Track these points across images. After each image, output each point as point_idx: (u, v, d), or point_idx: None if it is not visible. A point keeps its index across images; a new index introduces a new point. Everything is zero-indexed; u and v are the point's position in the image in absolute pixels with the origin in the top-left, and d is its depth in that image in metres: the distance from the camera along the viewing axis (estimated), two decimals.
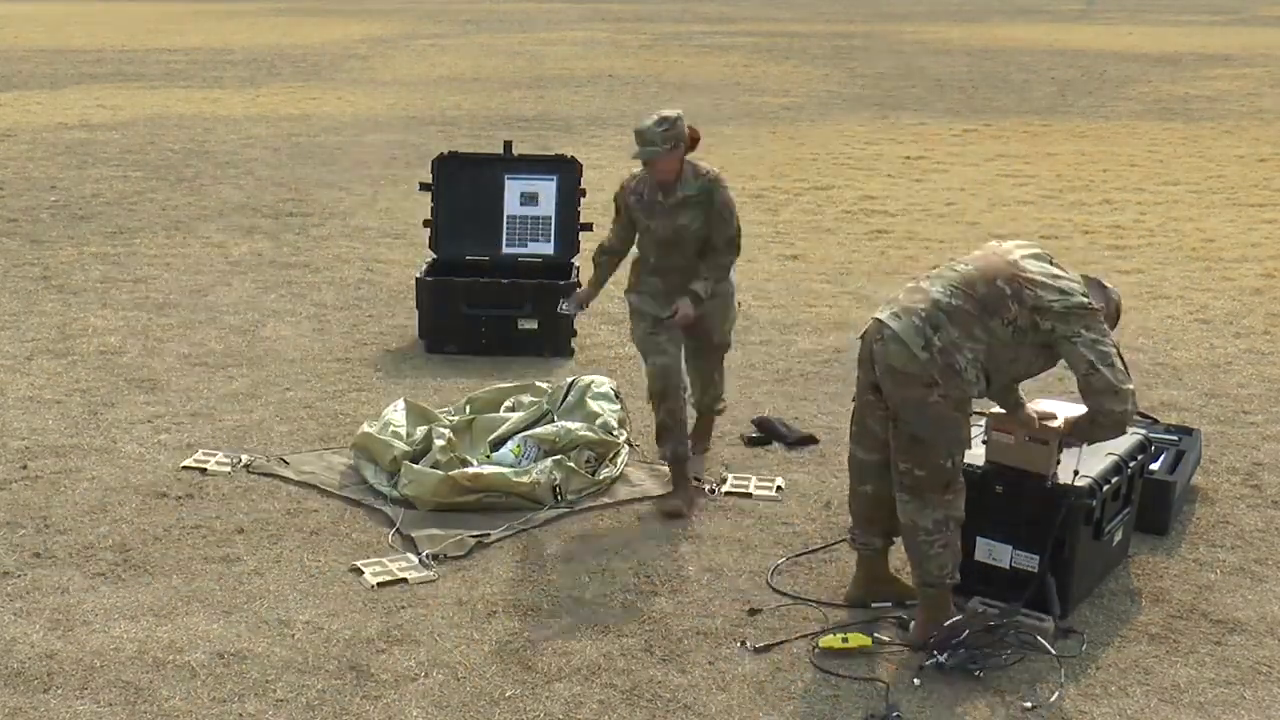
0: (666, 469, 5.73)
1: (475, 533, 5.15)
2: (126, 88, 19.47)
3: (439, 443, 5.63)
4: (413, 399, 6.67)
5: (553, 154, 8.33)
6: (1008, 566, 4.58)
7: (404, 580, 4.81)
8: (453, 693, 4.12)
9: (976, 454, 4.65)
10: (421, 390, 6.83)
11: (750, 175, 13.01)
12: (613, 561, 5.00)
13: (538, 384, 6.31)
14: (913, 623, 4.46)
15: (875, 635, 4.42)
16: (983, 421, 4.72)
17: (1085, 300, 4.30)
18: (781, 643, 4.41)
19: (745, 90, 19.80)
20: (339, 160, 13.65)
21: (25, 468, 5.80)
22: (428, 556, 4.95)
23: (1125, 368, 4.29)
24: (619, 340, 7.71)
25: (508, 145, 8.07)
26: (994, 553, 4.61)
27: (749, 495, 5.57)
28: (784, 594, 4.74)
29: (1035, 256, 4.40)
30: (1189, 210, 11.51)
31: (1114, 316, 4.57)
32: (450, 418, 6.08)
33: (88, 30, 29.45)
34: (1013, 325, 4.26)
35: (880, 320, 4.34)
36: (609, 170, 13.00)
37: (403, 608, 4.63)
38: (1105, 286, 4.60)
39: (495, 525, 5.23)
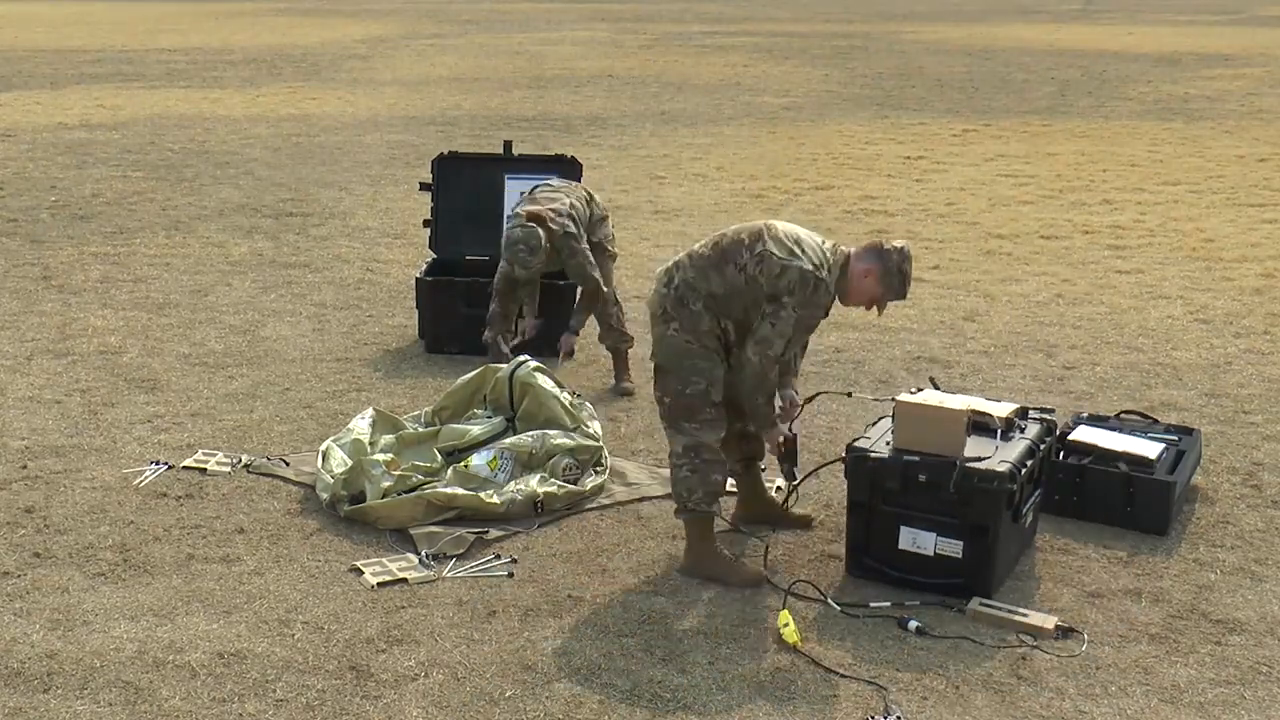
0: (664, 469, 5.79)
1: (474, 530, 5.15)
2: (126, 88, 19.48)
3: (375, 472, 5.39)
4: (412, 399, 6.68)
5: (553, 154, 8.33)
6: (932, 553, 4.69)
7: (404, 580, 4.81)
8: (453, 693, 4.12)
9: (887, 442, 4.84)
10: (421, 390, 6.83)
11: (750, 175, 13.02)
12: (613, 561, 5.01)
13: (492, 365, 6.23)
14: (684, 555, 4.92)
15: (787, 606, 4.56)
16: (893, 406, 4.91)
17: (808, 270, 4.60)
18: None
19: (745, 90, 19.80)
20: (339, 160, 13.65)
21: (25, 468, 5.80)
22: (427, 556, 4.95)
23: (784, 348, 4.69)
24: None
25: (508, 145, 8.07)
26: (918, 540, 4.71)
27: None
28: (792, 592, 4.74)
29: (794, 230, 4.75)
30: (1189, 210, 11.51)
31: (894, 276, 4.71)
32: (417, 427, 6.01)
33: (88, 30, 29.46)
34: (742, 271, 4.64)
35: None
36: (609, 170, 13.02)
37: (403, 608, 4.63)
38: (884, 250, 4.74)
39: (495, 524, 5.23)
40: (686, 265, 4.73)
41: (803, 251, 4.63)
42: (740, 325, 4.71)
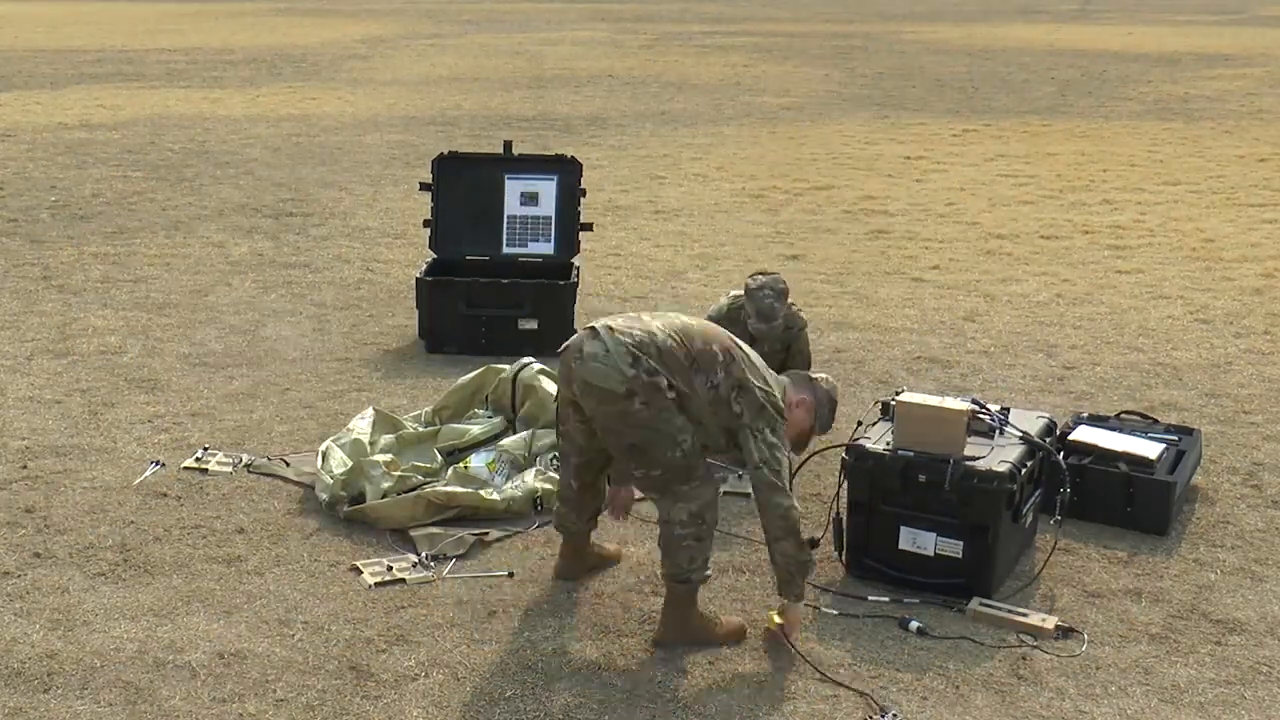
0: None
1: (475, 531, 5.15)
2: (126, 88, 19.47)
3: (375, 473, 5.36)
4: (412, 399, 6.68)
5: (553, 154, 8.32)
6: (932, 553, 4.69)
7: (403, 580, 4.81)
8: (453, 693, 4.12)
9: (887, 439, 4.84)
10: (421, 390, 6.83)
11: (750, 175, 13.01)
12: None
13: (494, 365, 6.21)
14: (661, 623, 4.45)
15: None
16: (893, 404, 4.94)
17: (780, 406, 4.38)
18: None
19: (745, 90, 19.80)
20: (339, 160, 13.65)
21: (25, 468, 5.79)
22: (427, 557, 4.95)
23: (789, 481, 4.32)
24: None
25: (508, 145, 8.06)
26: (918, 540, 4.71)
27: (748, 496, 5.56)
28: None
29: (750, 353, 4.47)
30: (1189, 210, 11.51)
31: (824, 408, 4.60)
32: (417, 427, 5.98)
33: (88, 30, 29.45)
34: (714, 390, 4.30)
35: (584, 335, 4.36)
36: (609, 170, 13.02)
37: (403, 608, 4.63)
38: (814, 380, 4.64)
39: (496, 526, 5.23)
40: (655, 354, 4.24)
41: (768, 384, 4.40)
42: (700, 434, 4.34)
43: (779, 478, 4.26)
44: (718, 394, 4.30)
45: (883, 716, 4.00)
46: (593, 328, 4.36)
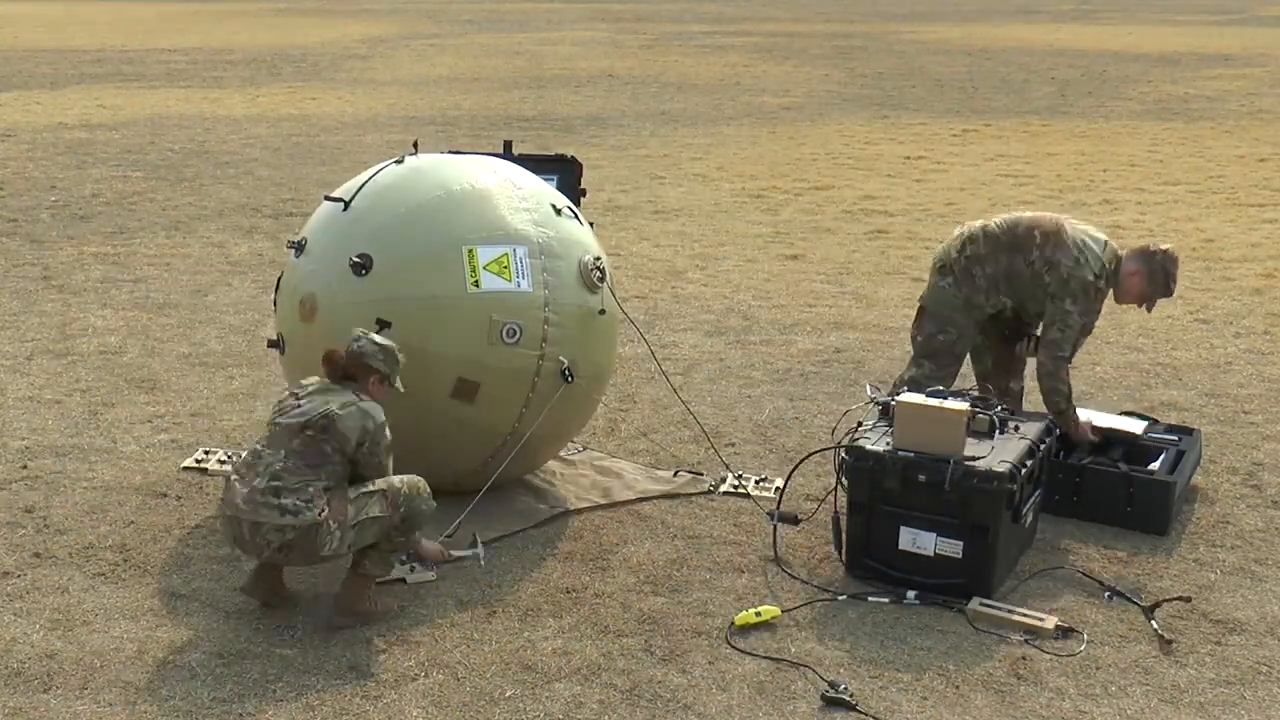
0: (663, 469, 5.79)
1: (474, 532, 5.14)
2: (126, 88, 19.48)
3: None
4: None
5: (553, 154, 8.32)
6: (932, 553, 4.71)
7: (403, 580, 4.80)
8: (453, 693, 4.12)
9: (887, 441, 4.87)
10: None
11: (750, 175, 13.02)
12: (613, 561, 5.01)
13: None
14: None
15: (785, 608, 4.58)
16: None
17: (1089, 280, 5.28)
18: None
19: (745, 90, 19.81)
20: (339, 160, 13.65)
21: (25, 468, 5.79)
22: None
23: (1071, 351, 5.35)
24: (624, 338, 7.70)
25: (508, 145, 8.05)
26: (918, 540, 4.72)
27: (748, 495, 5.57)
28: (795, 577, 4.74)
29: (1082, 234, 5.38)
30: (1189, 210, 11.52)
31: (1159, 275, 5.38)
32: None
33: (88, 30, 29.46)
34: (1031, 267, 5.36)
35: None
36: (609, 170, 13.02)
37: (403, 608, 4.63)
38: (1150, 252, 5.41)
39: (495, 525, 5.22)
40: (981, 240, 5.46)
41: (1086, 260, 5.30)
42: (1019, 308, 5.47)
43: (1056, 345, 5.30)
44: (1033, 269, 5.35)
45: (832, 690, 4.08)
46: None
